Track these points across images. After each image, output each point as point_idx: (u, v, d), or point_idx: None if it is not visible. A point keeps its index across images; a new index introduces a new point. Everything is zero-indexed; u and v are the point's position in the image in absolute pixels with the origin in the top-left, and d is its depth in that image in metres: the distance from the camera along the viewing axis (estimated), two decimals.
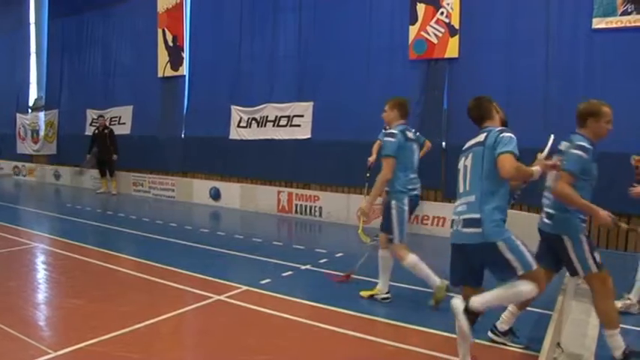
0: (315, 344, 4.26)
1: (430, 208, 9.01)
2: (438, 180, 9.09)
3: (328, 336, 4.36)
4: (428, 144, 8.49)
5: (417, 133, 8.46)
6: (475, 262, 3.39)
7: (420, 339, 4.27)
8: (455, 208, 3.47)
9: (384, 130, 8.45)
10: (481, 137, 3.39)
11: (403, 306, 5.21)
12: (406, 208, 4.98)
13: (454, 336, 4.26)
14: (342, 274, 6.03)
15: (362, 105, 9.77)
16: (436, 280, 4.98)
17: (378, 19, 9.74)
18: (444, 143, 9.06)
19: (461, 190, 3.45)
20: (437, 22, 8.93)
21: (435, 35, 8.96)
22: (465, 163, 3.45)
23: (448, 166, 8.99)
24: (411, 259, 5.01)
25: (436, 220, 8.83)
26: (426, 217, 9.01)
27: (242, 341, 4.24)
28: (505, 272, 3.24)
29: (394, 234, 4.98)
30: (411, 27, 9.20)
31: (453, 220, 3.47)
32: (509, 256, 3.18)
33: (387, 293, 5.22)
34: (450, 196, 8.92)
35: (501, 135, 3.27)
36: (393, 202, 4.96)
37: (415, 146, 5.16)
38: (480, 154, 3.31)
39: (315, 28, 10.59)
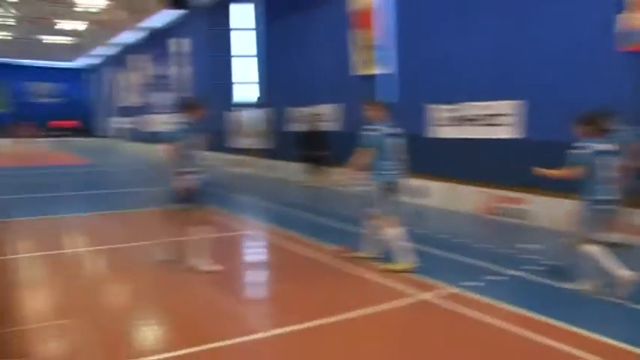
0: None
1: None
2: None
3: (542, 351, 4.07)
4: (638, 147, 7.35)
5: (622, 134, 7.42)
6: None
7: None
8: None
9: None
10: None
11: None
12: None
13: None
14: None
15: (574, 103, 8.92)
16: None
17: (581, 10, 9.05)
18: None
19: None
20: None
21: None
22: None
23: None
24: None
25: None
26: None
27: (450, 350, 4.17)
28: None
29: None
30: (619, 16, 8.27)
31: None
32: None
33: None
34: None
35: None
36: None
37: None
38: None
39: (516, 23, 10.18)
